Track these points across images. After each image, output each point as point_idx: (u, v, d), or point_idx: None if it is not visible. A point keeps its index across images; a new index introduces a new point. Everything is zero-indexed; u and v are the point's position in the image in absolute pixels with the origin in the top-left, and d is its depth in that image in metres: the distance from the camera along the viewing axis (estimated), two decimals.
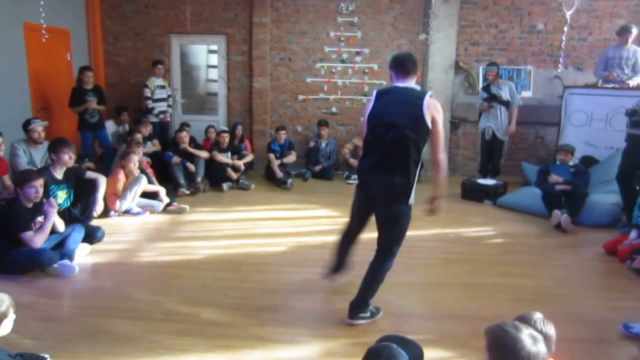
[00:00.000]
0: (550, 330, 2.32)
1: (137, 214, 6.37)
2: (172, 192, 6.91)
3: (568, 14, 7.85)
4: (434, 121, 3.41)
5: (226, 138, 8.09)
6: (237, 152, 8.31)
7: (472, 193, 7.47)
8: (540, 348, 1.95)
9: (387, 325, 3.65)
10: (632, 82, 7.29)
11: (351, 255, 4.19)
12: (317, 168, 8.78)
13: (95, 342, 3.41)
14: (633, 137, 5.90)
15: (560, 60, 8.57)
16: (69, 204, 5.48)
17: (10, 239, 4.43)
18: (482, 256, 5.25)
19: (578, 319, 3.81)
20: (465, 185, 7.57)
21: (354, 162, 8.29)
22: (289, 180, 8.01)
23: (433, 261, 5.08)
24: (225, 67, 9.33)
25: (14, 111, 6.81)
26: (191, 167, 7.61)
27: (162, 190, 6.63)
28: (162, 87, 8.54)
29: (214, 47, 9.40)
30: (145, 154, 7.18)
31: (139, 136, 7.22)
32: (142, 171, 6.60)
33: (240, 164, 8.10)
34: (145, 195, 6.51)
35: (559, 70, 8.62)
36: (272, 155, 8.36)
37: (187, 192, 7.36)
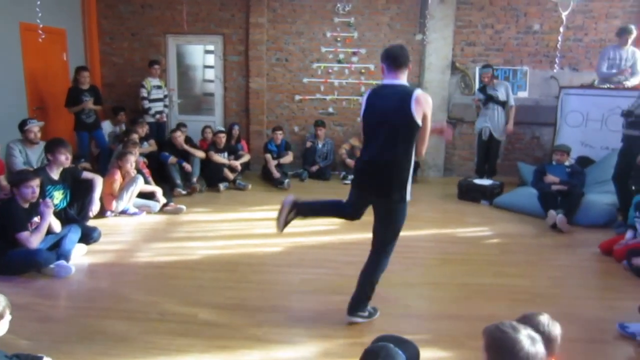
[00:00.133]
0: (556, 330, 2.32)
1: (134, 214, 6.36)
2: (169, 193, 6.91)
3: (564, 14, 7.88)
4: (424, 117, 3.42)
5: (223, 138, 8.09)
6: (233, 153, 8.30)
7: (468, 193, 7.48)
8: (539, 348, 1.95)
9: (383, 325, 3.65)
10: (628, 83, 7.31)
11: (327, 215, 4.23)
12: (314, 168, 8.77)
13: (92, 342, 3.40)
14: (629, 138, 5.93)
15: (556, 60, 8.59)
16: (65, 204, 5.46)
17: (6, 239, 4.41)
18: (478, 256, 5.26)
19: (574, 319, 3.82)
20: (461, 185, 7.58)
21: (350, 162, 8.29)
22: (286, 181, 8.01)
23: (429, 261, 5.09)
24: (222, 67, 9.32)
25: (9, 111, 6.78)
26: (187, 167, 7.60)
27: (158, 191, 6.63)
28: (159, 87, 8.53)
29: (211, 48, 9.39)
30: (141, 154, 7.17)
31: (135, 136, 7.21)
32: (139, 171, 6.59)
33: (237, 164, 8.10)
34: (142, 195, 6.50)
35: (554, 70, 8.64)
36: (268, 156, 8.36)
37: (184, 192, 7.36)
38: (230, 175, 7.94)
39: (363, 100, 3.66)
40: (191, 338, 3.49)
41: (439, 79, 8.69)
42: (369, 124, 3.59)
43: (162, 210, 6.53)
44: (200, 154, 7.84)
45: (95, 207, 5.65)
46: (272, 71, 9.16)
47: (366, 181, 3.62)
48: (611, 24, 8.43)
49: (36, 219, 4.63)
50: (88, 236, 5.17)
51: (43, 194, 4.97)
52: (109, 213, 6.24)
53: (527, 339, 1.95)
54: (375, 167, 3.52)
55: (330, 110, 9.24)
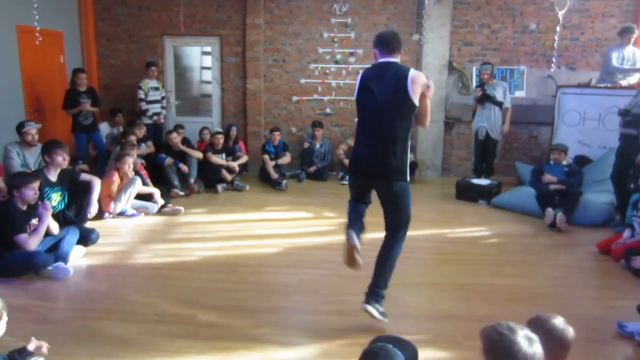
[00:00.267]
0: (570, 334, 2.30)
1: (132, 215, 6.35)
2: (167, 194, 6.90)
3: (560, 13, 7.89)
4: (422, 96, 3.44)
5: (220, 139, 8.09)
6: (231, 154, 8.30)
7: (466, 193, 7.48)
8: (536, 349, 1.95)
9: (382, 325, 3.64)
10: (625, 82, 7.33)
11: (362, 218, 3.85)
12: (312, 169, 8.78)
13: (91, 344, 3.40)
14: (626, 137, 5.93)
15: (553, 60, 8.61)
16: (63, 206, 5.45)
17: (4, 241, 4.40)
18: (476, 256, 5.26)
19: (572, 319, 3.76)
20: (459, 185, 7.59)
21: (348, 162, 8.27)
22: (284, 182, 8.01)
23: (428, 261, 5.09)
24: (219, 68, 9.32)
25: (7, 113, 6.78)
26: (184, 168, 7.59)
27: (156, 192, 6.62)
28: (156, 88, 8.53)
29: (208, 49, 9.38)
30: (139, 156, 7.16)
31: (133, 138, 7.20)
32: (137, 173, 6.58)
33: (235, 165, 8.10)
34: (140, 197, 6.50)
35: (552, 70, 8.65)
36: (266, 157, 8.36)
37: (181, 193, 7.35)
38: (228, 177, 7.94)
39: (357, 81, 3.63)
40: (190, 339, 3.49)
41: (436, 78, 8.68)
42: (364, 106, 3.58)
43: (160, 212, 6.53)
44: (197, 154, 7.84)
45: (94, 209, 5.64)
46: (269, 72, 9.16)
47: (366, 165, 3.57)
48: (607, 23, 8.46)
49: (34, 221, 4.62)
50: (86, 238, 5.16)
51: (41, 195, 4.96)
52: (107, 215, 6.23)
53: (525, 340, 1.95)
54: (375, 150, 3.50)
55: (328, 110, 9.24)
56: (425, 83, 3.46)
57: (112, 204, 6.23)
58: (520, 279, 4.67)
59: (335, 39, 8.96)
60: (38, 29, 6.22)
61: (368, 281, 3.70)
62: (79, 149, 7.71)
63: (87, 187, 5.63)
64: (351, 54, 8.99)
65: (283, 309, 4.04)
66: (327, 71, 9.09)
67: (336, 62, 9.05)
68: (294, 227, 6.20)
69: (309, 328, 3.72)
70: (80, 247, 5.03)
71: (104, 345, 3.40)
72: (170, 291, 4.28)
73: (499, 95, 7.67)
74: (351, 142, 8.54)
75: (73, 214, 5.49)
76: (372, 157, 3.52)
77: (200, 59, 9.60)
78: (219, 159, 7.97)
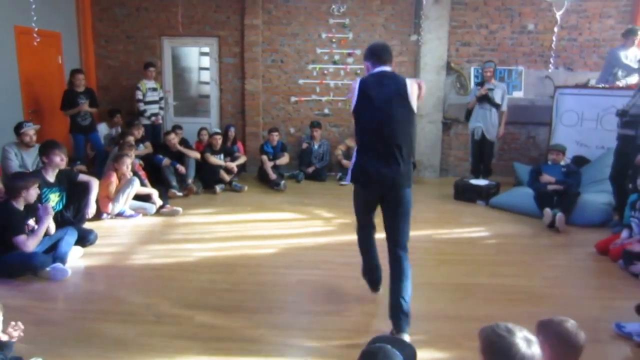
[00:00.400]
0: (582, 338, 2.29)
1: (130, 216, 6.34)
2: (165, 195, 6.89)
3: (558, 14, 7.89)
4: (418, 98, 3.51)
5: (219, 140, 8.08)
6: (229, 154, 8.30)
7: (464, 193, 7.49)
8: (535, 351, 1.95)
9: (380, 325, 3.64)
10: (622, 82, 7.34)
11: (377, 255, 3.97)
12: (310, 169, 8.77)
13: (89, 345, 3.40)
14: (624, 137, 5.94)
15: (551, 60, 8.62)
16: (61, 206, 5.45)
17: (2, 242, 4.40)
18: (475, 256, 5.27)
19: (571, 319, 3.82)
20: (457, 185, 7.59)
21: (346, 163, 8.29)
22: (282, 182, 8.00)
23: (426, 262, 5.08)
24: (217, 69, 9.31)
25: (5, 114, 6.76)
26: (181, 168, 7.58)
27: (154, 193, 6.62)
28: (154, 89, 8.52)
29: (206, 50, 9.38)
30: (137, 157, 7.15)
31: (131, 139, 7.19)
32: (135, 174, 6.58)
33: (233, 165, 8.09)
34: (138, 197, 6.50)
35: (549, 70, 8.66)
36: (264, 157, 8.36)
37: (179, 193, 7.34)
38: (227, 177, 7.93)
39: (354, 90, 3.58)
40: (188, 340, 3.49)
41: (434, 79, 8.70)
42: (365, 116, 3.53)
43: (158, 213, 6.52)
44: (195, 154, 7.83)
45: (92, 210, 5.64)
46: (267, 73, 9.16)
47: (378, 175, 3.49)
48: (605, 24, 8.48)
49: (31, 222, 4.61)
50: (84, 239, 5.16)
51: (39, 196, 4.96)
52: (105, 215, 6.23)
53: (523, 341, 1.95)
54: (383, 158, 3.46)
55: (326, 111, 9.25)
56: (417, 90, 3.49)
57: (110, 205, 6.23)
58: (519, 279, 4.68)
59: (334, 40, 8.96)
60: (36, 29, 6.20)
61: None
62: (77, 150, 7.70)
63: (85, 188, 5.63)
64: (349, 54, 9.00)
65: (282, 309, 4.04)
66: (326, 72, 9.09)
67: (334, 63, 9.05)
68: (293, 227, 6.19)
69: (307, 328, 3.72)
70: (79, 248, 5.02)
71: (102, 346, 3.40)
72: (169, 292, 4.27)
73: (497, 97, 7.68)
74: (350, 142, 8.58)
75: (71, 215, 5.49)
76: (382, 167, 3.47)
77: (199, 59, 9.59)
78: (217, 160, 7.97)
